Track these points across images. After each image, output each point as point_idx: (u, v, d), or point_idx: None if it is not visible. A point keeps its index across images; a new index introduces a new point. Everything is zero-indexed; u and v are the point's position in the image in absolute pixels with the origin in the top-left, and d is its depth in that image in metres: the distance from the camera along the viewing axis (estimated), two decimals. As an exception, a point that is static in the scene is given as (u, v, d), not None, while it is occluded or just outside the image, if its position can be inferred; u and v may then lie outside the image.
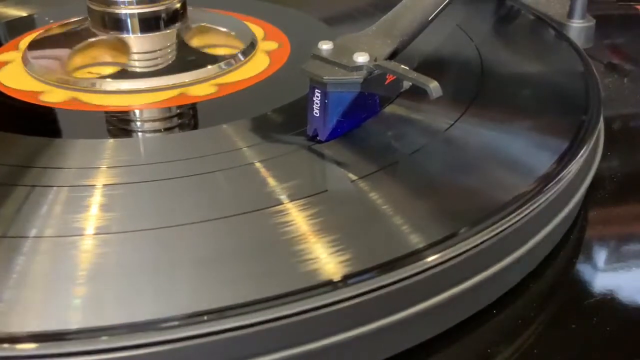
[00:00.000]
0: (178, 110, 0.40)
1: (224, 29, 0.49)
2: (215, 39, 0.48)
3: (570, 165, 0.32)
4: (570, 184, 0.33)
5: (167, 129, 0.38)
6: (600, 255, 0.35)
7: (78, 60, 0.44)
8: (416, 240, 0.28)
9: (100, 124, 0.39)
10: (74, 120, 0.39)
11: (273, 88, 0.42)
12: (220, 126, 0.37)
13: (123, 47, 0.44)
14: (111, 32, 0.44)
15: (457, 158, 0.34)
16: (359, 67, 0.33)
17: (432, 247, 0.27)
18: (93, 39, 0.45)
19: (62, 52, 0.45)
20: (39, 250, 0.27)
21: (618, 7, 0.64)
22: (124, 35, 0.44)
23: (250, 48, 0.46)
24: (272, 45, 0.47)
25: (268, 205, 0.30)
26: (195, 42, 0.47)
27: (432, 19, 0.41)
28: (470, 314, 0.30)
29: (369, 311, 0.26)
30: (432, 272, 0.27)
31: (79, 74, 0.43)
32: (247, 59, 0.45)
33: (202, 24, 0.48)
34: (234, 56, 0.44)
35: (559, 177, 0.32)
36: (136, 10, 0.44)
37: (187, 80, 0.42)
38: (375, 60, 0.34)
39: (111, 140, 0.36)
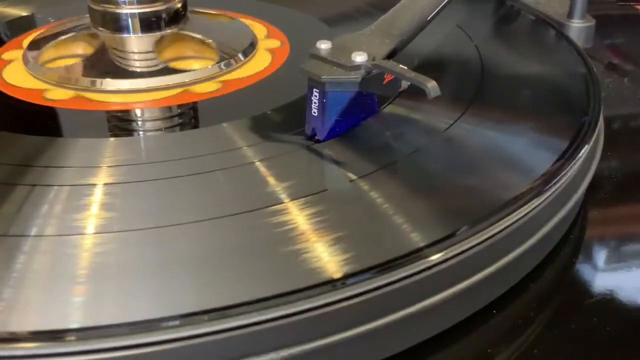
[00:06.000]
0: (179, 110, 0.40)
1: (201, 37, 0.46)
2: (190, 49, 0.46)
3: (570, 165, 0.32)
4: (570, 184, 0.33)
5: (168, 128, 0.38)
6: (600, 255, 0.35)
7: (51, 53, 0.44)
8: (416, 240, 0.28)
9: (101, 123, 0.39)
10: (75, 120, 0.39)
11: (273, 87, 0.42)
12: (220, 125, 0.37)
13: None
14: (111, 32, 0.45)
15: (457, 158, 0.34)
16: (357, 67, 0.33)
17: (431, 246, 0.27)
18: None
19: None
20: (40, 249, 0.27)
21: (618, 7, 0.64)
22: (125, 35, 0.44)
23: (250, 48, 0.46)
24: (271, 44, 0.47)
25: (267, 205, 0.30)
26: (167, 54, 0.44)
27: (432, 19, 0.41)
28: (470, 314, 0.30)
29: (369, 311, 0.26)
30: (432, 272, 0.27)
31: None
32: (247, 58, 0.45)
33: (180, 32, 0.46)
34: (234, 56, 0.44)
35: (558, 177, 0.32)
36: (137, 10, 0.44)
37: (187, 80, 0.42)
38: (374, 59, 0.34)
39: (112, 139, 0.36)
